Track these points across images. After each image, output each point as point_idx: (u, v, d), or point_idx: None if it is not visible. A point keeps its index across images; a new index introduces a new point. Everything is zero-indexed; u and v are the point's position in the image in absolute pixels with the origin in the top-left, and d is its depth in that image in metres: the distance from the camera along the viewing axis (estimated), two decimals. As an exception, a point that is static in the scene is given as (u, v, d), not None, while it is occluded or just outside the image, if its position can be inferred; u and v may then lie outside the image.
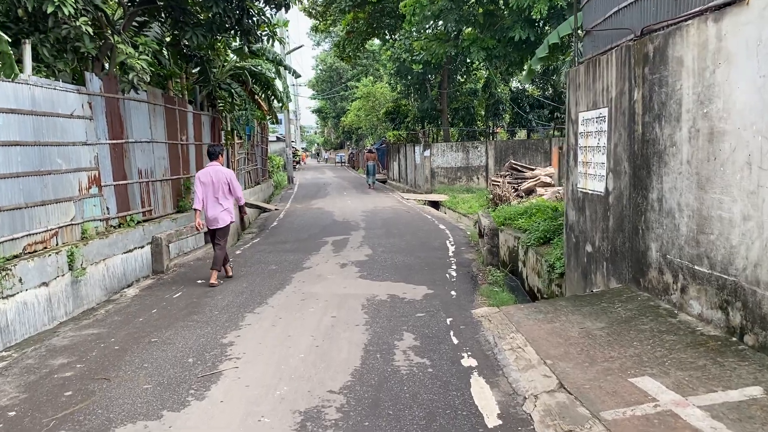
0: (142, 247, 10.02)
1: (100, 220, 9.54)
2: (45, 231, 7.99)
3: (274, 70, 16.85)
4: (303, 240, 12.06)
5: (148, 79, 9.25)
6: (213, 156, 8.99)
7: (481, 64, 28.30)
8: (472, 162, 26.72)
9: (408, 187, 29.92)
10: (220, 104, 17.08)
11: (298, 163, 73.00)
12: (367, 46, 40.69)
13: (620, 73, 6.30)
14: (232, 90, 15.43)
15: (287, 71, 16.30)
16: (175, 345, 5.33)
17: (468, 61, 28.48)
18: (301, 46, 34.39)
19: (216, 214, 8.61)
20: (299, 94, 74.93)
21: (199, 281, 8.22)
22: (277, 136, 50.29)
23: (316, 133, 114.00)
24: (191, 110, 14.01)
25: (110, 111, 10.03)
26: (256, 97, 17.12)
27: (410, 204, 20.33)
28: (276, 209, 19.91)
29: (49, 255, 7.66)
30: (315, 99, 66.57)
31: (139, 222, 10.60)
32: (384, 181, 37.32)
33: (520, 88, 29.35)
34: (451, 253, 9.80)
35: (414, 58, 23.35)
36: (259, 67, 16.06)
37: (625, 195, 6.18)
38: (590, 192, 7.41)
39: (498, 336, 5.17)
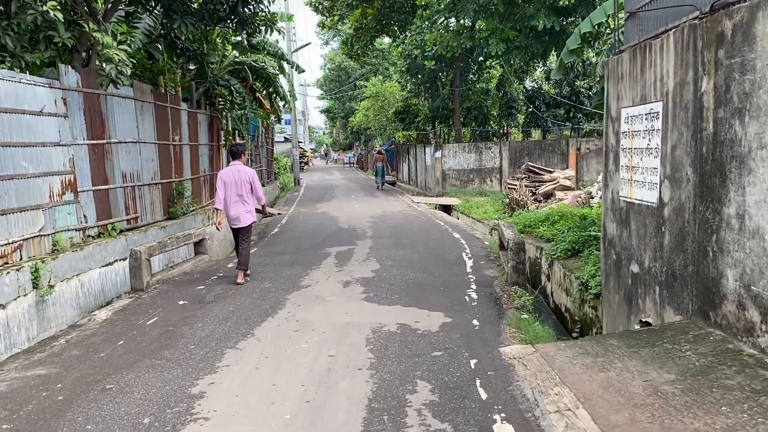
0: (125, 259, 8.99)
1: (76, 229, 8.53)
2: (5, 244, 6.97)
3: (276, 65, 15.83)
4: (304, 251, 10.97)
5: (129, 72, 8.23)
6: (235, 155, 8.93)
7: (495, 62, 27.16)
8: (485, 164, 25.57)
9: (418, 190, 28.81)
10: (220, 102, 16.08)
11: (306, 164, 72.12)
12: (376, 44, 39.65)
13: (681, 59, 5.17)
14: (232, 87, 14.40)
15: (291, 66, 15.23)
16: (133, 395, 4.28)
17: (481, 58, 27.34)
18: (308, 43, 33.41)
19: (239, 213, 8.60)
20: (307, 94, 74.01)
21: (181, 302, 7.18)
22: (285, 137, 49.34)
23: (324, 134, 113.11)
24: (186, 108, 13.00)
25: (90, 108, 9.03)
26: (258, 94, 16.08)
27: (421, 208, 19.21)
28: (279, 213, 18.87)
29: (8, 272, 6.64)
30: (323, 99, 65.60)
31: (122, 231, 9.58)
32: (393, 183, 36.22)
33: (536, 86, 28.17)
34: (468, 269, 8.68)
35: (425, 54, 22.23)
36: (261, 62, 15.04)
37: (688, 208, 5.06)
38: (637, 202, 6.29)
39: (538, 390, 4.07)
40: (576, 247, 9.64)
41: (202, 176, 14.36)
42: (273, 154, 33.12)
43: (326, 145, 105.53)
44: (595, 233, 9.24)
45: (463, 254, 9.95)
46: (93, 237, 8.95)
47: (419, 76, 27.16)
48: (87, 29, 7.97)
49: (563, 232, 11.40)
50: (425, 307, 6.39)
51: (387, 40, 42.26)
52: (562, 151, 25.60)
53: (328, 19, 27.68)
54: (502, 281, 7.75)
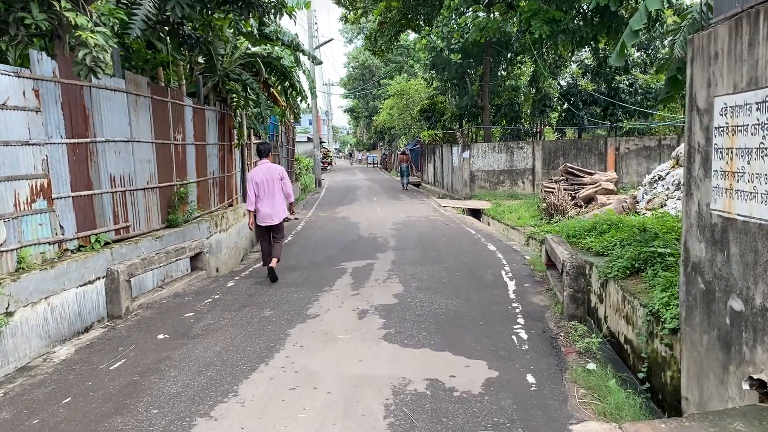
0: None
1: (50, 243, 7.31)
2: (-51, 264, 5.77)
3: (293, 58, 14.53)
4: (317, 266, 9.61)
5: (108, 59, 6.97)
6: (263, 154, 9.20)
7: (528, 56, 25.54)
8: (516, 164, 23.99)
9: (444, 192, 27.33)
10: (233, 98, 14.86)
11: (330, 164, 71.01)
12: (401, 40, 38.28)
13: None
14: (244, 82, 13.15)
15: (308, 58, 13.91)
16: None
17: (510, 54, 25.74)
18: (330, 39, 32.14)
19: (270, 211, 8.84)
20: (331, 93, 72.99)
21: (161, 335, 5.88)
22: (308, 137, 48.18)
23: (348, 134, 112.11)
24: (191, 104, 11.78)
25: (70, 102, 7.81)
26: (272, 90, 14.81)
27: (448, 213, 17.76)
28: (296, 218, 17.61)
29: (-53, 300, 5.43)
30: (347, 98, 64.43)
31: (107, 243, 8.34)
32: (417, 185, 34.79)
33: (572, 81, 26.42)
34: (511, 293, 7.22)
35: (452, 46, 20.71)
36: (276, 54, 13.77)
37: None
38: (742, 219, 4.80)
39: None
40: (636, 265, 8.11)
41: (211, 179, 13.13)
42: (294, 154, 31.98)
43: (350, 145, 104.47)
44: (661, 250, 7.71)
45: (502, 272, 8.49)
46: (72, 251, 7.73)
47: (445, 72, 25.63)
48: (57, 7, 6.73)
49: (616, 245, 9.88)
50: (462, 352, 4.98)
51: (412, 36, 40.89)
52: (600, 152, 23.90)
53: (351, 13, 26.40)
54: (555, 312, 6.30)
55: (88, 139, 8.16)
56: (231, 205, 14.93)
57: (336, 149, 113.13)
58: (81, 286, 7.38)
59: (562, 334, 5.56)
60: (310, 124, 39.67)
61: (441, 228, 13.96)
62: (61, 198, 7.59)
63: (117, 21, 7.78)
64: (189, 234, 10.57)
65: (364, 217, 16.67)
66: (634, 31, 7.40)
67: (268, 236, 9.03)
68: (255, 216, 8.96)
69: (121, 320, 6.48)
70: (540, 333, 5.59)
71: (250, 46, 13.34)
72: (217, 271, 12.11)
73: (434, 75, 29.44)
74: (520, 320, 5.97)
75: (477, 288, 7.46)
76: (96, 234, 8.16)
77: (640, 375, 6.87)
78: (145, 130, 9.78)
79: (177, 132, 11.06)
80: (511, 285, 7.64)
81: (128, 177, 9.19)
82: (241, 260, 11.66)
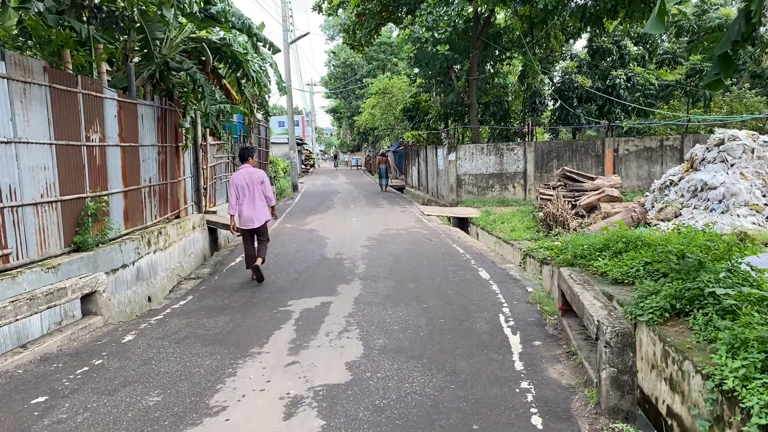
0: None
1: None
2: None
3: (249, 45, 12.38)
4: (255, 305, 7.38)
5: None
6: (245, 158, 9.53)
7: (516, 51, 23.55)
8: (507, 167, 22.00)
9: (429, 197, 25.28)
10: (183, 92, 12.67)
11: (312, 166, 68.56)
12: (383, 36, 36.19)
13: None
14: (186, 71, 10.99)
15: (263, 44, 11.75)
16: None
17: (497, 50, 23.72)
18: (306, 33, 29.89)
19: (252, 214, 9.16)
20: (314, 91, 70.56)
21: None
22: (289, 138, 45.76)
23: (332, 135, 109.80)
24: (114, 96, 9.60)
25: None
26: (224, 81, 12.62)
27: (432, 224, 15.65)
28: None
29: None
30: (329, 98, 62.10)
31: (-35, 280, 6.15)
32: (401, 189, 32.69)
33: (567, 77, 24.41)
34: (517, 359, 5.01)
35: (438, 38, 18.62)
36: (225, 39, 11.62)
37: None
38: None
39: None
40: (679, 306, 6.09)
41: (146, 187, 10.95)
42: (268, 156, 29.77)
43: (335, 147, 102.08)
44: (716, 290, 5.67)
45: (501, 317, 6.38)
46: None
47: (430, 67, 23.53)
48: None
49: (640, 271, 7.86)
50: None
51: (396, 33, 38.74)
52: (597, 153, 21.98)
53: (326, 3, 24.26)
54: (586, 400, 4.18)
55: (-63, 140, 5.98)
56: (178, 216, 12.73)
57: (321, 151, 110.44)
58: None
59: (603, 446, 3.48)
60: (282, 125, 37.49)
61: (423, 245, 11.84)
62: None
63: None
64: (104, 259, 8.39)
65: (335, 229, 14.52)
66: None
67: (251, 240, 9.40)
68: (238, 220, 9.29)
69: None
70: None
71: (194, 28, 11.16)
72: (149, 300, 9.94)
73: (418, 72, 27.35)
74: (536, 420, 3.86)
75: (467, 349, 5.30)
76: (-54, 269, 5.98)
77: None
78: (39, 128, 7.59)
79: (92, 131, 8.88)
80: (516, 342, 5.51)
81: (10, 189, 7.00)
82: (167, 297, 9.50)
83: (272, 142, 39.69)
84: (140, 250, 9.76)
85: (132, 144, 10.35)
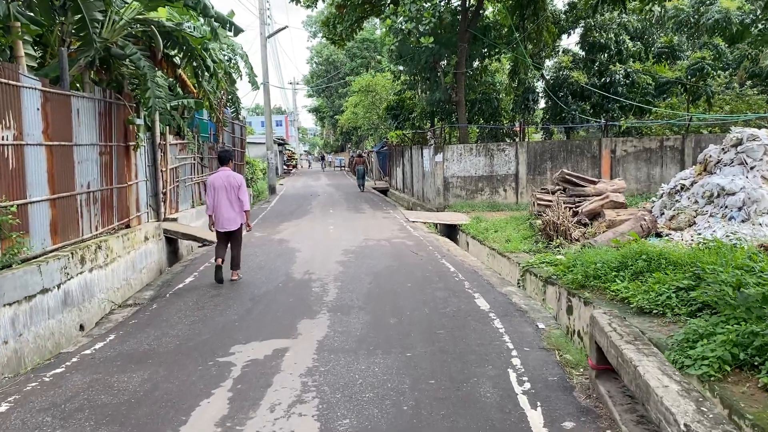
0: None
1: None
2: None
3: (209, 29, 10.78)
4: (187, 353, 5.65)
5: None
6: (224, 161, 9.91)
7: (505, 45, 22.15)
8: (497, 169, 20.57)
9: (414, 200, 23.80)
10: (134, 83, 11.04)
11: (294, 167, 66.76)
12: (365, 29, 34.64)
13: None
14: (129, 57, 9.38)
15: (222, 25, 10.13)
16: None
17: (486, 43, 22.30)
18: (285, 27, 28.29)
19: (230, 215, 9.51)
20: (296, 89, 68.85)
21: None
22: (276, 140, 43.95)
23: (316, 135, 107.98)
24: (36, 86, 7.96)
25: None
26: (179, 71, 10.99)
27: (418, 233, 14.11)
28: (248, 230, 13.79)
29: None
30: (311, 96, 60.34)
31: None
32: (385, 191, 31.16)
33: (561, 72, 23.01)
34: None
35: (422, 29, 17.11)
36: (178, 21, 10.02)
37: None
38: None
39: None
40: (743, 357, 4.65)
41: (83, 194, 9.31)
42: (244, 157, 28.12)
43: (319, 147, 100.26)
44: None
45: (512, 376, 4.79)
46: None
47: (414, 61, 21.99)
48: None
49: (672, 299, 6.42)
50: None
51: (379, 33, 37.23)
52: (593, 154, 20.63)
53: (304, -7, 22.69)
54: None
55: None
56: (128, 226, 11.09)
57: (305, 151, 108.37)
58: None
59: None
60: (263, 126, 35.61)
61: (407, 261, 10.27)
62: None
63: None
64: (13, 285, 6.74)
65: (309, 239, 12.91)
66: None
67: (225, 242, 9.70)
68: (215, 221, 9.62)
69: None
70: None
71: (141, 8, 9.54)
72: (82, 329, 8.31)
73: (402, 69, 25.85)
74: None
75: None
76: None
77: None
78: None
79: (2, 126, 7.24)
80: (537, 422, 3.95)
81: None
82: (103, 322, 7.86)
83: (252, 143, 37.95)
84: (69, 270, 8.12)
85: (63, 143, 8.70)
